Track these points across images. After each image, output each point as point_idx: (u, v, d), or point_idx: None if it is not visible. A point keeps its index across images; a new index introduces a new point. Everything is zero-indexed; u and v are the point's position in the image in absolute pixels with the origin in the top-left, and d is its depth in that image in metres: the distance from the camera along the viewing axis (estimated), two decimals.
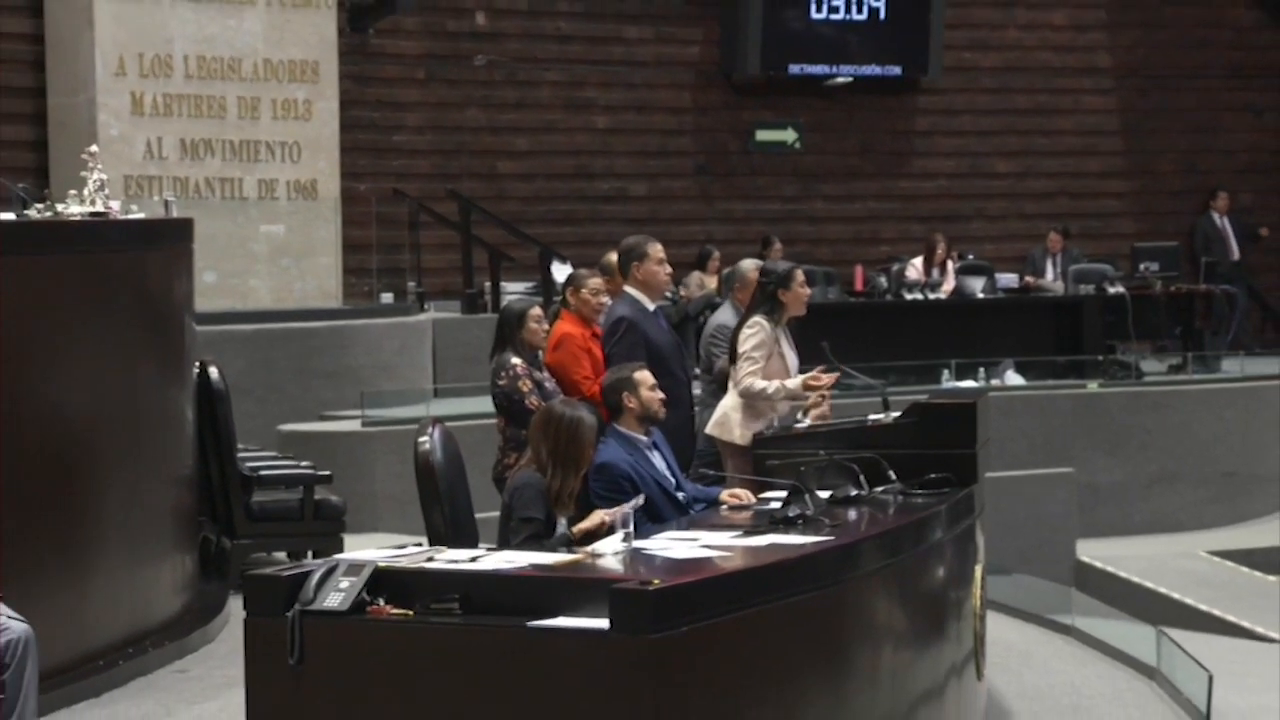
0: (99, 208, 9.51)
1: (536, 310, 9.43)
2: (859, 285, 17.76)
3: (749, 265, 10.40)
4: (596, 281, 9.76)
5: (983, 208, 20.81)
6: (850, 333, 14.20)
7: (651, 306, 9.74)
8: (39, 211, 9.48)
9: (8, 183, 10.65)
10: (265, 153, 15.85)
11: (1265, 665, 12.54)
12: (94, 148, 10.35)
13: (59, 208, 9.53)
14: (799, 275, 9.53)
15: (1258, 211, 21.10)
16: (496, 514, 7.46)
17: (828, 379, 9.26)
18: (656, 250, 9.86)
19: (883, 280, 17.80)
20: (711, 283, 16.75)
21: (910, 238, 19.30)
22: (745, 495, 7.75)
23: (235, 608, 9.49)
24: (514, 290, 15.62)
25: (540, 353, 9.38)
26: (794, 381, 9.24)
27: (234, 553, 10.98)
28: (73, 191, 9.71)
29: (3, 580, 7.56)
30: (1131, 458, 16.23)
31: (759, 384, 9.15)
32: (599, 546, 6.47)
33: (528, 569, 6.07)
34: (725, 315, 10.35)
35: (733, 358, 9.35)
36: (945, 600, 7.53)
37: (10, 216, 9.36)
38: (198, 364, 10.69)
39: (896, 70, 20.11)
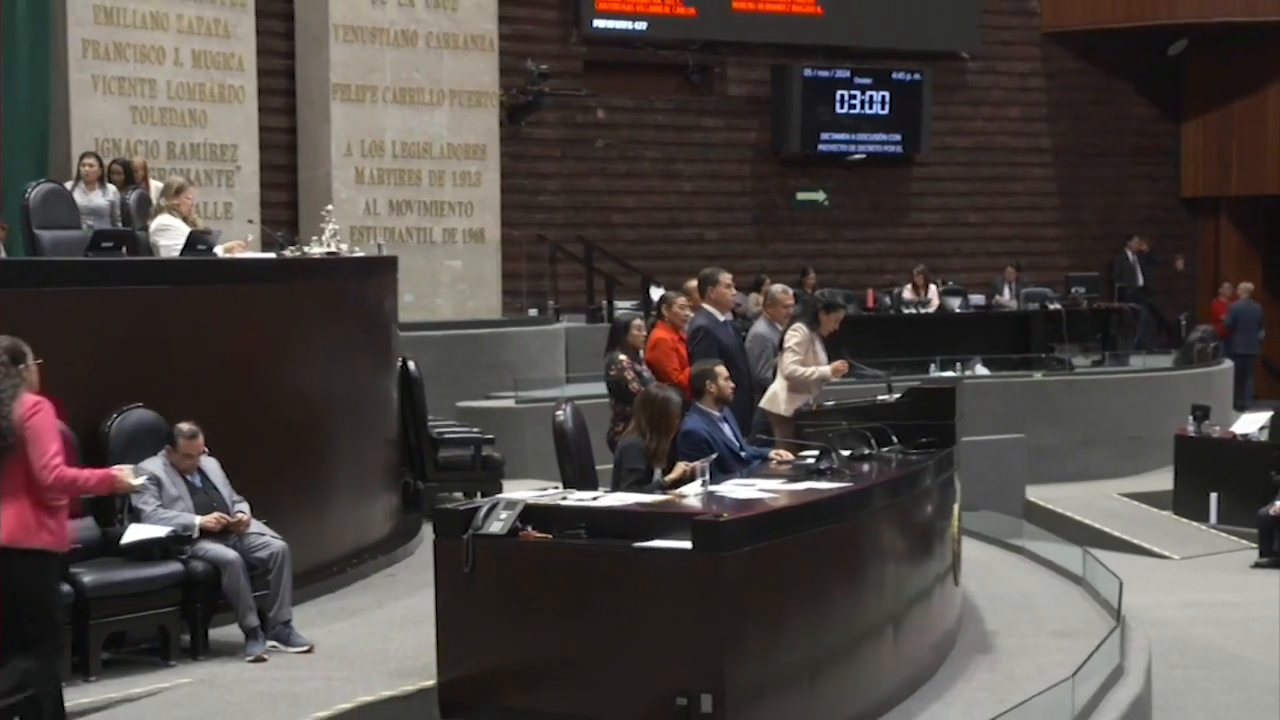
0: (333, 249, 9.58)
1: (638, 321, 9.40)
2: (870, 303, 17.67)
3: (778, 289, 10.12)
4: (682, 300, 9.72)
5: (959, 248, 20.63)
6: (863, 338, 14.08)
7: (722, 318, 9.69)
8: (291, 252, 9.57)
9: (270, 232, 10.77)
10: (448, 210, 15.91)
11: (1160, 575, 12.54)
12: (330, 207, 10.46)
13: (305, 249, 9.61)
14: (839, 312, 9.40)
15: (1156, 252, 20.86)
16: (610, 467, 7.46)
17: (845, 364, 9.29)
18: (725, 278, 9.80)
19: (887, 300, 17.74)
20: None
21: (907, 269, 19.10)
22: (787, 454, 7.73)
23: (426, 532, 9.48)
24: (622, 307, 15.57)
25: (640, 351, 9.36)
26: (826, 368, 9.21)
27: (426, 493, 10.98)
28: (314, 237, 9.78)
29: (267, 510, 7.65)
30: (1065, 427, 16.07)
31: (801, 370, 9.10)
32: (684, 490, 6.47)
33: (633, 506, 6.08)
34: (761, 327, 10.08)
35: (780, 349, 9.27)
36: (932, 529, 7.48)
37: (273, 256, 9.47)
38: (400, 359, 10.74)
39: (898, 149, 19.98)
